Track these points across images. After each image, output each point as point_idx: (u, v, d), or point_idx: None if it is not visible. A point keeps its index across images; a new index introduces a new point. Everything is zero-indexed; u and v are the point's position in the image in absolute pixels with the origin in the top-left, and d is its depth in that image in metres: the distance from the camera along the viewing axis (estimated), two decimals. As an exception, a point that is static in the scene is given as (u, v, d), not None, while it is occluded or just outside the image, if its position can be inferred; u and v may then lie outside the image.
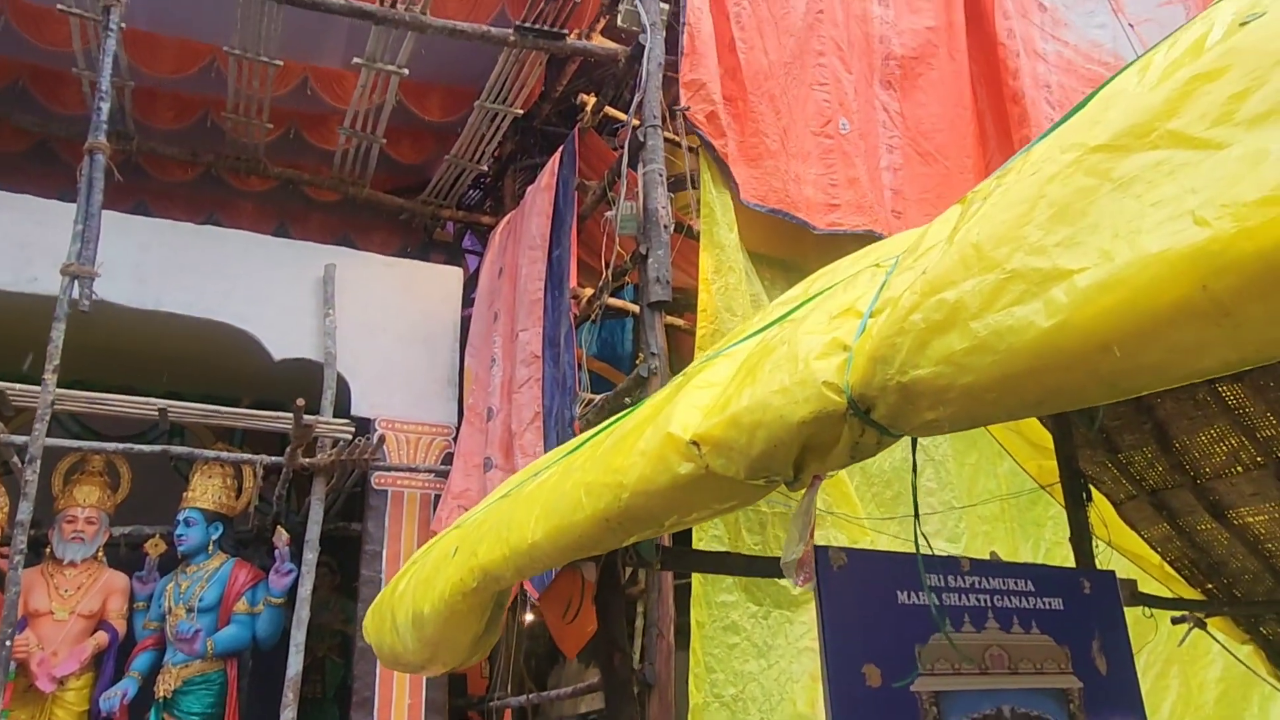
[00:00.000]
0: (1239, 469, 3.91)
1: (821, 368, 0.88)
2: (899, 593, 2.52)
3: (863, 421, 0.86)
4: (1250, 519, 4.14)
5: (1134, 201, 0.78)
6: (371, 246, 7.73)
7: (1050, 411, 2.66)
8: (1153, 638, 3.77)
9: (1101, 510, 4.28)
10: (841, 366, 0.88)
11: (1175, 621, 4.34)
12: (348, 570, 6.67)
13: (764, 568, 2.18)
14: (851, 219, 5.59)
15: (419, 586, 1.64)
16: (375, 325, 6.45)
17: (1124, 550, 4.28)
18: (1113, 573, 3.10)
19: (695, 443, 0.99)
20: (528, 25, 5.27)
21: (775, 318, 2.24)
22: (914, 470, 1.73)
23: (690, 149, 5.53)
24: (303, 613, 5.40)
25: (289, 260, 6.40)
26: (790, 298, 2.75)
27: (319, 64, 7.30)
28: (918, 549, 1.89)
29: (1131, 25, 8.16)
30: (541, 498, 1.28)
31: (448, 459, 6.28)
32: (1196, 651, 4.88)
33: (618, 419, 1.39)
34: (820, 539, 3.72)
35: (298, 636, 5.34)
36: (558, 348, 5.58)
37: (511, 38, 5.26)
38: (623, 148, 5.30)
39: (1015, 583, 2.77)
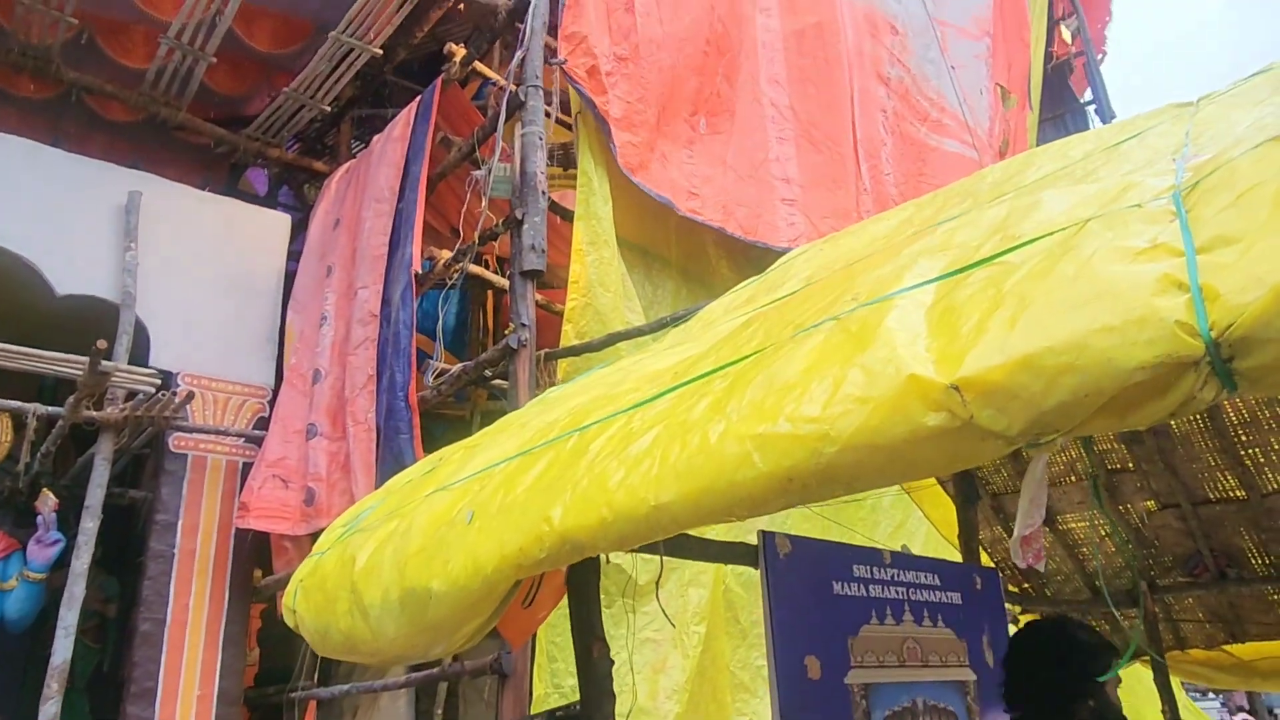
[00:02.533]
0: (1073, 478, 4.23)
1: (1166, 305, 0.74)
2: (834, 583, 2.46)
3: (1217, 373, 0.73)
4: (1073, 524, 4.50)
5: None
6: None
7: None
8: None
9: (944, 511, 4.51)
10: (1188, 306, 0.74)
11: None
12: (110, 541, 5.81)
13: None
14: (709, 212, 5.59)
15: (413, 560, 1.33)
16: (185, 268, 5.68)
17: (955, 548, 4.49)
18: (996, 570, 3.22)
19: (956, 387, 0.82)
20: (405, -44, 4.82)
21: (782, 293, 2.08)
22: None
23: (561, 122, 5.30)
24: (76, 589, 4.63)
25: (83, 181, 5.50)
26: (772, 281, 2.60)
27: (128, -39, 6.36)
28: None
29: (953, 67, 8.72)
30: (659, 453, 1.05)
31: (259, 423, 5.65)
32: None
33: (728, 363, 1.18)
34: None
35: (68, 617, 4.57)
36: (391, 307, 5.17)
37: (385, -33, 4.79)
38: (499, 105, 4.97)
39: (924, 576, 2.79)
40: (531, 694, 3.90)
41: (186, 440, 5.38)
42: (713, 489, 0.98)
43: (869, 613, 2.52)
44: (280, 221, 6.19)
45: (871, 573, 2.58)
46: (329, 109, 6.10)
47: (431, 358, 4.85)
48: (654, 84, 5.11)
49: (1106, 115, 10.70)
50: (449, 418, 7.25)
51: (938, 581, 2.83)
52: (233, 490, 5.46)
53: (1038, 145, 10.10)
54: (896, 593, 2.64)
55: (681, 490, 1.01)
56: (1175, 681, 6.65)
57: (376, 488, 4.80)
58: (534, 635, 4.15)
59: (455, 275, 4.90)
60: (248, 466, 5.55)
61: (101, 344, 4.36)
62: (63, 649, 4.53)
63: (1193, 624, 4.66)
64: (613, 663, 1.73)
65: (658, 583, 3.56)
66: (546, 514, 1.14)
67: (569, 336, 4.37)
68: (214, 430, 5.41)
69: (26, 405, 4.68)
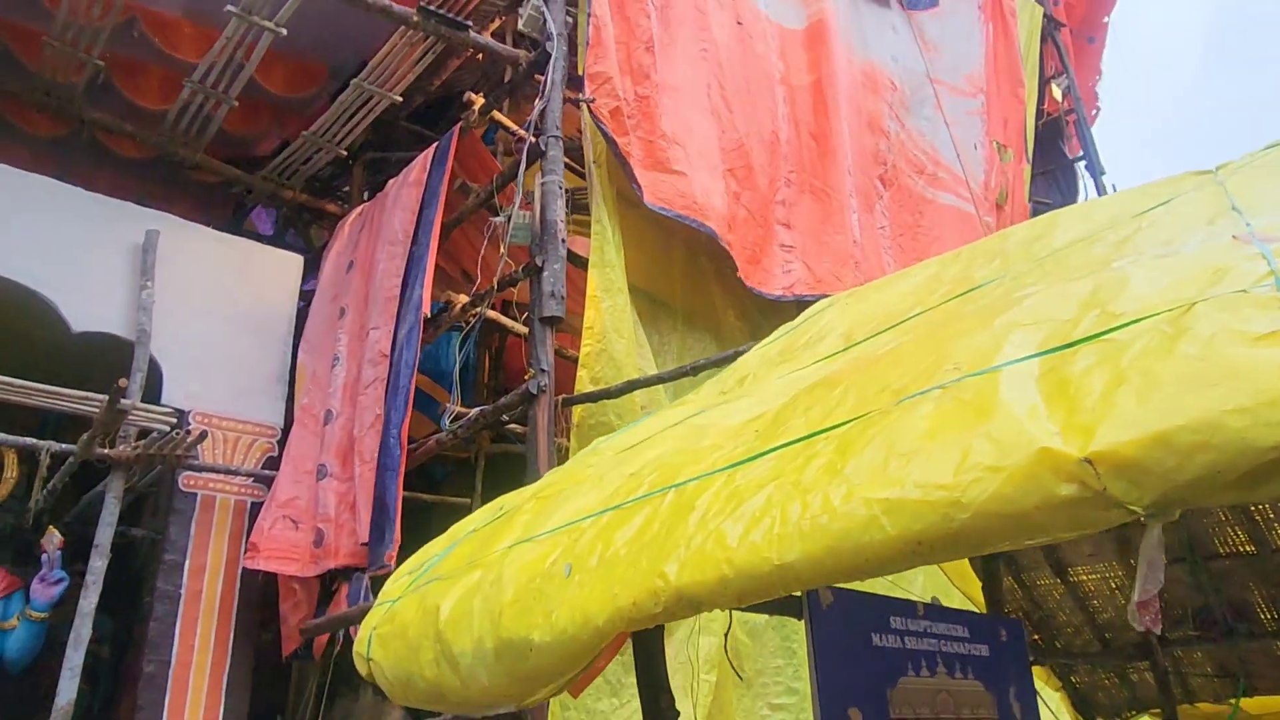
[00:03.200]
0: (1084, 531, 4.29)
1: (1301, 389, 0.80)
2: (874, 635, 2.50)
3: (1344, 451, 0.79)
4: (1084, 577, 4.54)
5: None
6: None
7: None
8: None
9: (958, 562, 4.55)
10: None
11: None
12: (106, 580, 5.73)
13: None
14: (736, 245, 5.66)
15: (509, 611, 1.36)
16: (198, 306, 5.71)
17: (970, 597, 4.53)
18: (1020, 622, 3.26)
19: (1089, 461, 0.88)
20: (432, 8, 4.94)
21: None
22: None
23: (570, 168, 5.40)
24: (83, 629, 4.59)
25: (100, 218, 5.54)
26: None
27: (151, 5, 6.47)
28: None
29: (948, 124, 8.91)
30: (777, 512, 1.10)
31: (269, 463, 5.64)
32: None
33: (828, 427, 1.23)
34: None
35: (74, 658, 4.52)
36: (399, 349, 5.22)
37: (414, 18, 4.90)
38: (519, 154, 5.07)
39: (953, 628, 2.83)
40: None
41: (196, 479, 5.37)
42: (839, 550, 1.03)
43: (906, 665, 2.55)
44: (293, 262, 6.24)
45: (907, 625, 2.62)
46: (344, 153, 6.18)
47: (448, 402, 4.88)
48: (678, 120, 5.22)
49: (1097, 172, 10.93)
50: (452, 459, 7.26)
51: (966, 634, 2.86)
52: (240, 530, 5.43)
53: (1030, 199, 10.33)
54: (930, 645, 2.67)
55: (806, 550, 1.05)
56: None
57: (371, 526, 4.82)
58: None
59: (473, 319, 4.95)
60: (256, 506, 5.53)
61: (123, 382, 4.37)
62: (68, 690, 4.48)
63: (1201, 678, 4.70)
64: (679, 713, 1.75)
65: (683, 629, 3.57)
66: (659, 569, 1.18)
67: (584, 382, 4.42)
68: (224, 470, 5.40)
69: (40, 442, 4.67)
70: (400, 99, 5.65)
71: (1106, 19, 10.76)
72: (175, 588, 5.13)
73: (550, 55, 5.14)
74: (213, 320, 5.74)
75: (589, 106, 4.75)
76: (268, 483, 5.52)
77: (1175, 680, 4.69)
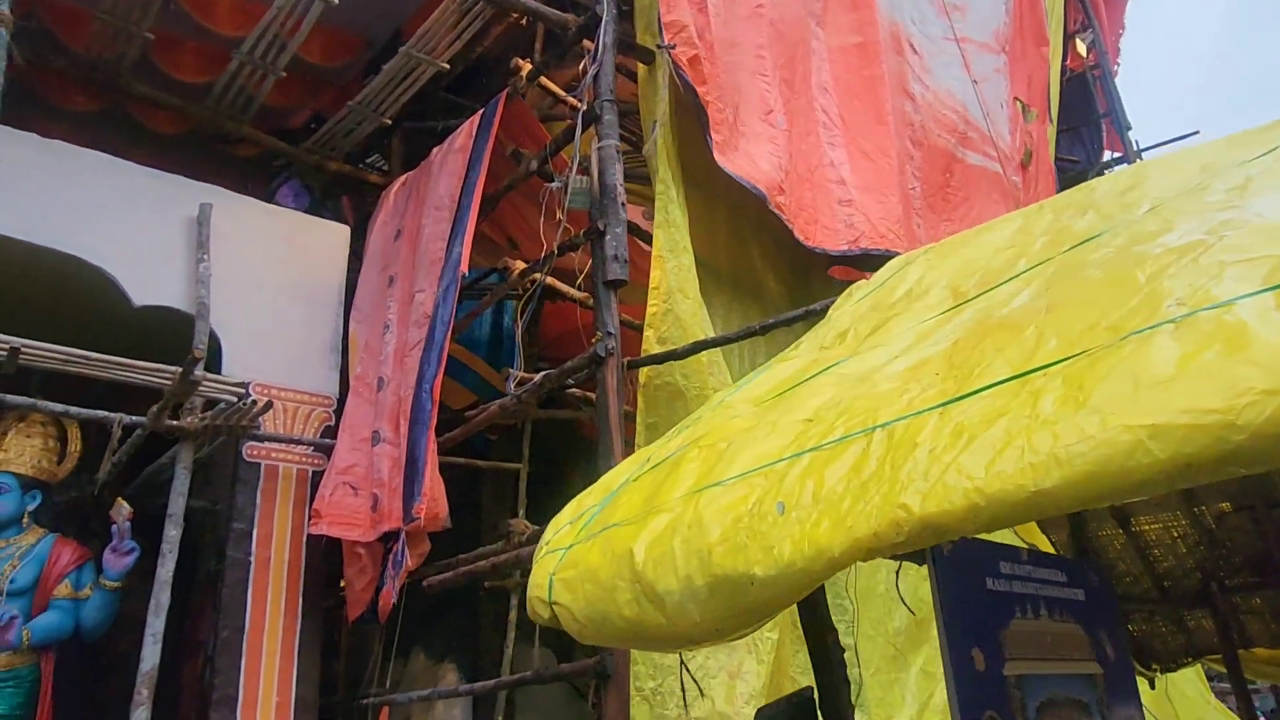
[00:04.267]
0: (1148, 481, 4.36)
1: None
2: (987, 579, 2.58)
3: None
4: (1146, 526, 4.62)
5: None
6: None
7: None
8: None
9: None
10: None
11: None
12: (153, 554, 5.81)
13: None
14: (789, 211, 5.66)
15: (718, 549, 1.43)
16: (252, 279, 5.75)
17: (1034, 546, 4.59)
18: (1104, 568, 3.34)
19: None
20: (487, -27, 4.92)
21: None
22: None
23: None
24: (162, 596, 4.68)
25: (154, 193, 5.57)
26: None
27: (190, -23, 6.44)
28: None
29: (975, 82, 8.86)
30: (1024, 441, 1.16)
31: (326, 432, 5.72)
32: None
33: (1043, 365, 1.28)
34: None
35: (155, 624, 4.62)
36: (437, 306, 5.26)
37: (469, -17, 4.89)
38: (573, 119, 5.07)
39: (1053, 573, 2.91)
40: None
41: (259, 449, 5.44)
42: (1100, 475, 1.09)
43: (1014, 607, 2.63)
44: (340, 233, 6.27)
45: (1014, 569, 2.70)
46: (389, 122, 6.18)
47: (484, 371, 4.93)
48: (728, 84, 5.21)
49: (1121, 127, 10.89)
50: (492, 427, 7.31)
51: (1065, 579, 2.95)
52: (303, 498, 5.52)
53: (1055, 158, 10.29)
54: (1033, 589, 2.76)
55: (1065, 477, 1.11)
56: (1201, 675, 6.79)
57: (403, 483, 4.88)
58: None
59: (531, 285, 4.99)
60: (317, 475, 5.61)
61: (199, 352, 4.43)
62: (151, 655, 4.58)
63: (1259, 624, 4.79)
64: (844, 650, 1.83)
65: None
66: (898, 501, 1.24)
67: (650, 342, 4.46)
68: (286, 439, 5.47)
69: (112, 415, 4.72)
70: (447, 66, 5.64)
71: (1131, -29, 10.68)
72: (245, 555, 5.22)
73: (600, 18, 5.13)
74: (266, 292, 5.78)
75: (670, 54, 4.70)
76: (327, 451, 5.60)
77: (1233, 626, 4.79)
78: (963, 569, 2.48)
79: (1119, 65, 10.81)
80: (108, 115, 6.98)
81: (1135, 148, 10.98)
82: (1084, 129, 11.37)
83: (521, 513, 6.26)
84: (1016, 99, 8.85)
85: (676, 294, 4.63)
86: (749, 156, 5.43)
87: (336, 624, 5.76)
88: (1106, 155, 11.25)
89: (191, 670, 6.12)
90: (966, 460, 1.21)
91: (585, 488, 7.43)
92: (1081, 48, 11.19)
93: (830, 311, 3.17)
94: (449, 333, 4.94)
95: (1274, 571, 4.50)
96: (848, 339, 2.79)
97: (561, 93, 5.72)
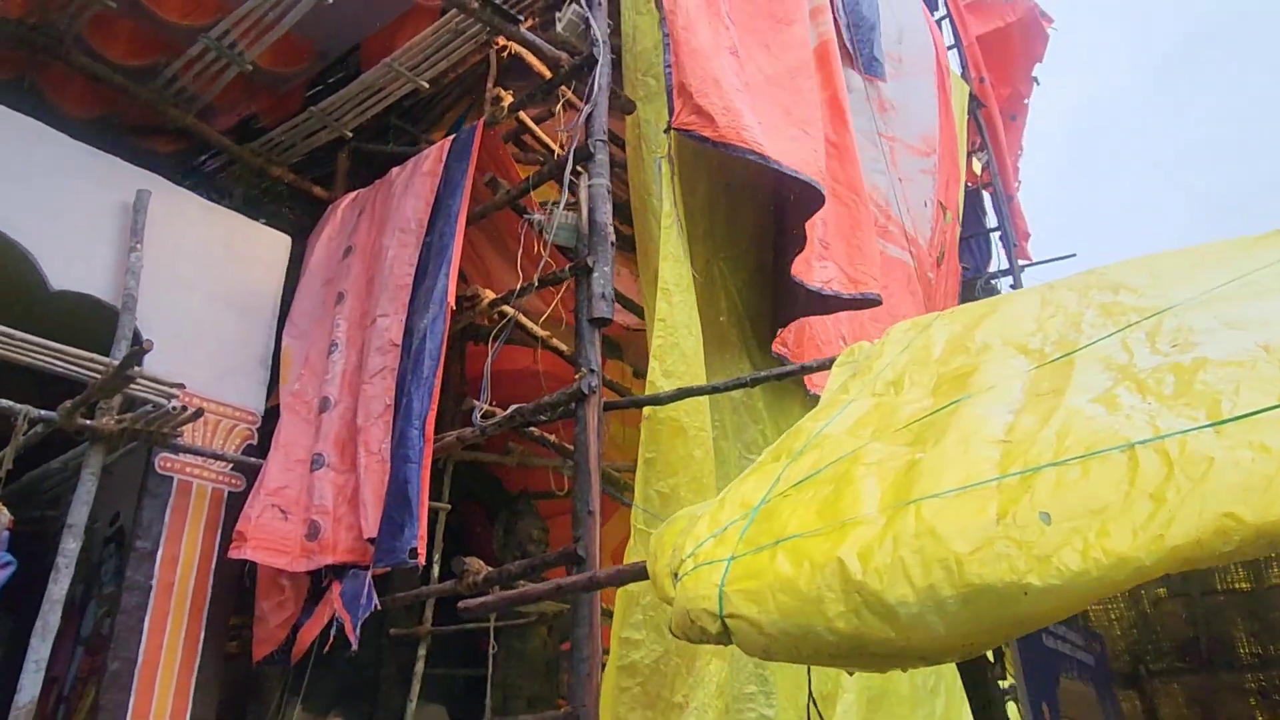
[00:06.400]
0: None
1: None
2: (1043, 636, 2.58)
3: None
4: (1092, 606, 4.81)
5: None
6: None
7: None
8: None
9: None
10: None
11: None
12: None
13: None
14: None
15: (970, 560, 1.36)
16: (185, 278, 5.29)
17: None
18: (1101, 637, 3.43)
19: None
20: (490, -2, 4.83)
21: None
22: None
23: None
24: (51, 618, 4.10)
25: (86, 171, 5.07)
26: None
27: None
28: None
29: (900, 180, 9.36)
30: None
31: (248, 450, 5.25)
32: None
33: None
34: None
35: (40, 650, 4.03)
36: (414, 336, 5.02)
37: (474, 3, 4.77)
38: (565, 154, 5.00)
39: (1073, 636, 2.95)
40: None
41: (174, 462, 4.93)
42: None
43: (1061, 666, 2.65)
44: (280, 242, 5.88)
45: (1057, 628, 2.73)
46: (349, 135, 5.92)
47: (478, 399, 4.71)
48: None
49: (1010, 242, 11.70)
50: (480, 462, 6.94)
51: (1082, 642, 3.00)
52: (216, 521, 5.02)
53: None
54: (1068, 649, 2.79)
55: None
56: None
57: (382, 520, 4.55)
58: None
59: (509, 316, 4.82)
60: (233, 497, 5.13)
61: (149, 343, 3.99)
62: (31, 685, 3.98)
63: (1171, 709, 5.03)
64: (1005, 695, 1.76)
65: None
66: (1224, 510, 1.22)
67: (656, 374, 4.36)
68: (207, 453, 4.98)
69: (19, 406, 4.17)
70: (427, 86, 5.47)
71: (1027, 101, 11.66)
72: (146, 579, 4.66)
73: (596, 60, 5.13)
74: (198, 295, 5.33)
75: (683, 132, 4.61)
76: (249, 471, 5.14)
77: (1148, 710, 5.02)
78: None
79: (1018, 183, 11.69)
80: (12, 86, 6.38)
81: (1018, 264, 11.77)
82: (974, 239, 12.17)
83: (438, 554, 5.92)
84: (939, 201, 9.38)
85: (682, 329, 4.56)
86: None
87: (234, 663, 5.21)
88: (994, 265, 12.07)
89: (41, 710, 5.36)
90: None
91: (507, 533, 7.09)
92: (977, 166, 12.06)
93: (863, 364, 3.20)
94: (439, 368, 4.68)
95: (1197, 658, 4.76)
96: (906, 387, 2.80)
97: (536, 128, 5.65)
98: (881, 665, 1.47)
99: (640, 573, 2.11)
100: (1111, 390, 1.73)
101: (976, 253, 12.44)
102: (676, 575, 1.76)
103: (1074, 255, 10.85)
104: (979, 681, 1.70)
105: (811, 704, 3.08)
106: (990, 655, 1.80)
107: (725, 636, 1.64)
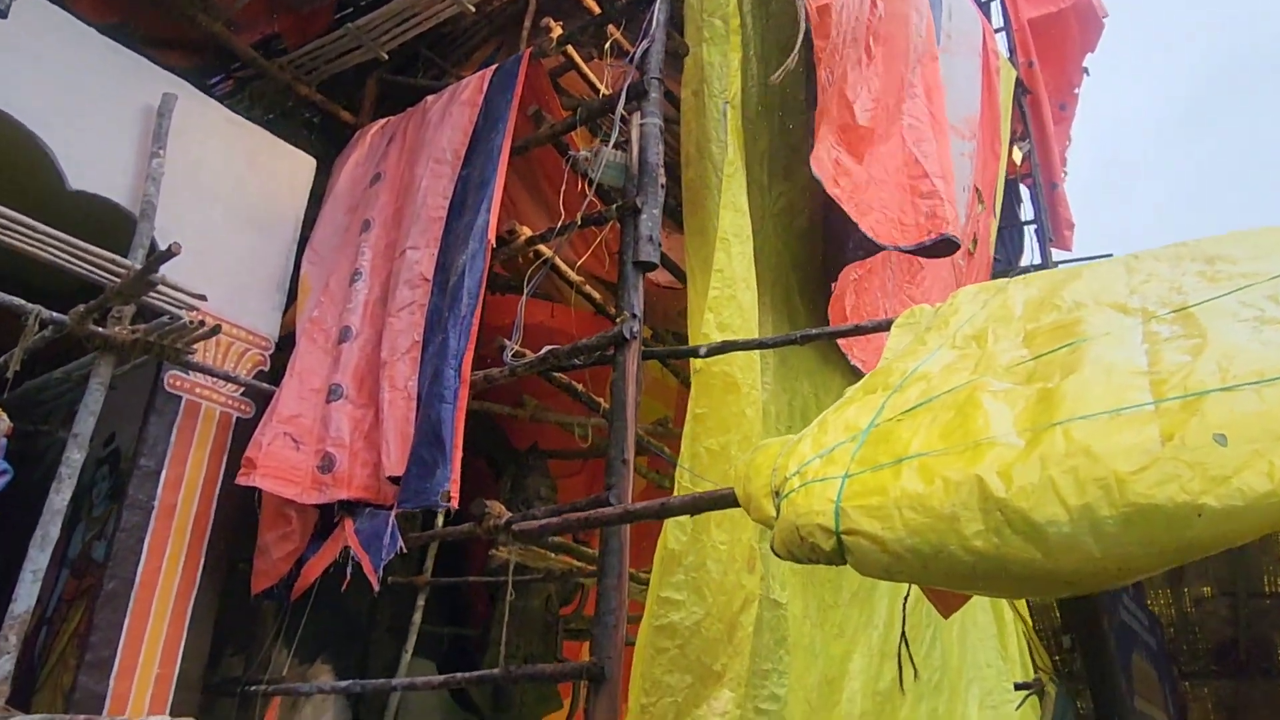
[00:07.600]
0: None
1: None
2: (1120, 609, 2.40)
3: None
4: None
5: None
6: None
7: None
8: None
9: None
10: None
11: (1019, 687, 4.63)
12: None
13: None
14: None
15: (1134, 480, 1.21)
16: (206, 191, 5.06)
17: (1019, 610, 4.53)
18: (1160, 623, 3.26)
19: None
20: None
21: None
22: None
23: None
24: (51, 528, 3.89)
25: (111, 69, 4.82)
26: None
27: None
28: None
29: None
30: None
31: (259, 376, 5.04)
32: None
33: None
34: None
35: (38, 559, 3.83)
36: (448, 274, 4.80)
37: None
38: (617, 90, 4.76)
39: (1141, 616, 2.78)
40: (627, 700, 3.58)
41: (184, 381, 4.72)
42: None
43: (1133, 644, 2.47)
44: (305, 163, 5.64)
45: (1130, 606, 2.55)
46: (385, 57, 5.67)
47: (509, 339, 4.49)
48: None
49: (1045, 237, 11.45)
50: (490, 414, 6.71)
51: (1147, 624, 2.82)
52: (222, 446, 4.82)
53: (994, 251, 10.70)
54: (1139, 629, 2.61)
55: None
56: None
57: (410, 459, 4.35)
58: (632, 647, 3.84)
59: (545, 258, 4.59)
60: (241, 423, 4.92)
61: (176, 246, 3.77)
62: (27, 596, 3.78)
63: (1200, 712, 4.87)
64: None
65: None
66: None
67: (710, 326, 4.15)
68: (219, 374, 4.77)
69: (30, 305, 3.94)
70: (473, 9, 5.22)
71: (1077, 90, 11.38)
72: (149, 499, 4.46)
73: (656, -5, 4.87)
74: (218, 209, 5.10)
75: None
76: (260, 397, 4.93)
77: (1178, 712, 4.85)
78: (1110, 601, 2.30)
79: (1065, 173, 11.42)
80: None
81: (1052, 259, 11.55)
82: (1008, 231, 11.91)
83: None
84: (976, 187, 9.14)
85: (740, 283, 4.34)
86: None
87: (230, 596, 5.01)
88: (1026, 260, 11.82)
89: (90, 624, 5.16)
90: None
91: (514, 488, 6.85)
92: (1017, 156, 11.77)
93: (936, 321, 3.04)
94: (479, 305, 4.47)
95: (1234, 662, 4.58)
96: (991, 340, 2.64)
97: (583, 64, 5.40)
98: (1020, 589, 1.32)
99: (718, 500, 1.91)
100: (1259, 332, 1.56)
101: (1009, 245, 12.18)
102: (778, 494, 1.57)
103: (1110, 255, 10.57)
104: (1091, 622, 1.52)
105: (903, 643, 2.89)
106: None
107: (839, 554, 1.46)
